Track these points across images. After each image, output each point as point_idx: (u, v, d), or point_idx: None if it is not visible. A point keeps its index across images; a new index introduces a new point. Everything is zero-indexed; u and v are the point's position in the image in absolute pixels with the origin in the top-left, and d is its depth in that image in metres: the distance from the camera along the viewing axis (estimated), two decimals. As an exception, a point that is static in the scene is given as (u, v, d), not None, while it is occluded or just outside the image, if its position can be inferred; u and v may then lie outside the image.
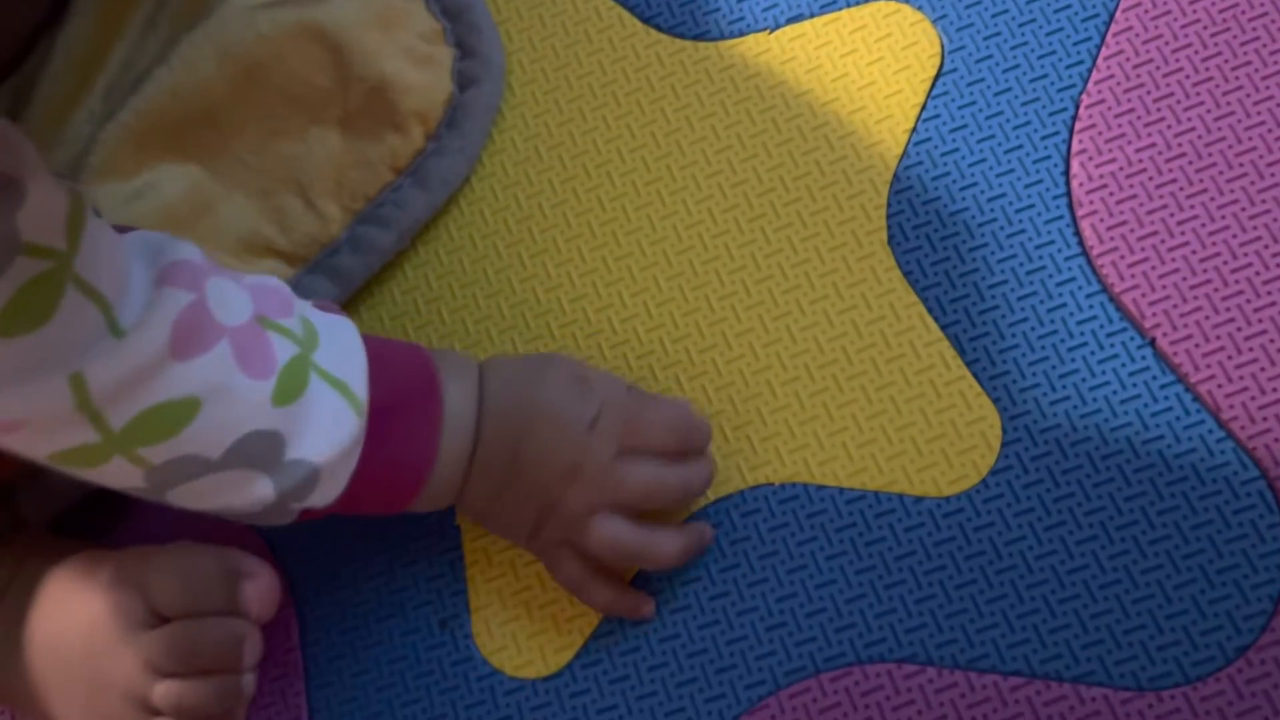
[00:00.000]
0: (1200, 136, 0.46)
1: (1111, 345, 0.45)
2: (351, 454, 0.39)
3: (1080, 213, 0.46)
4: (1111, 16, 0.48)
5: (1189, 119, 0.46)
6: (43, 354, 0.34)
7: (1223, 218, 0.45)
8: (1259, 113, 0.46)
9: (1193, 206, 0.46)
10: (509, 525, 0.43)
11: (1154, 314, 0.45)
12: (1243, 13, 0.47)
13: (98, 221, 0.36)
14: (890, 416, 0.45)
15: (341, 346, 0.40)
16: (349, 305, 0.50)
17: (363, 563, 0.47)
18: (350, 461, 0.39)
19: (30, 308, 0.33)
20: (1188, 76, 0.47)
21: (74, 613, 0.40)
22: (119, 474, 0.37)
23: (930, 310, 0.46)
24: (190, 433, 0.36)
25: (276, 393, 0.38)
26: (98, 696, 0.40)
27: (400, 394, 0.40)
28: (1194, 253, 0.45)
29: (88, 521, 0.47)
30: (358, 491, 0.39)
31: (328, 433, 0.38)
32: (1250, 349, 0.44)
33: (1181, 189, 0.46)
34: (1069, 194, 0.47)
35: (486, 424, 0.41)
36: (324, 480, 0.39)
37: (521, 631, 0.45)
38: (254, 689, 0.40)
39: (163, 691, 0.39)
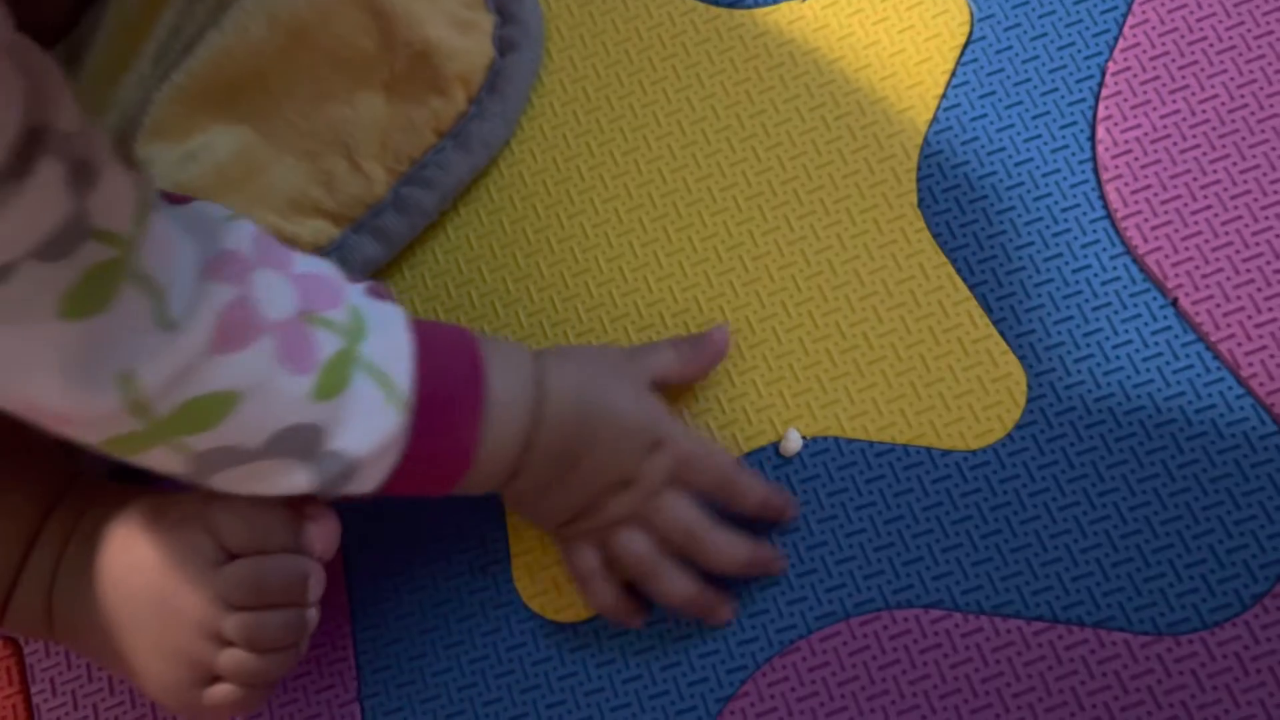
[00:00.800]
0: (1224, 103, 0.47)
1: (1134, 305, 0.46)
2: (392, 447, 0.40)
3: (1105, 177, 0.47)
4: (1137, -14, 0.49)
5: (1212, 86, 0.48)
6: (98, 339, 0.35)
7: (1244, 182, 0.47)
8: (1281, 80, 0.47)
9: (1215, 171, 0.47)
10: (544, 515, 0.44)
11: (1176, 275, 0.46)
12: (1266, -17, 0.48)
13: (157, 208, 0.37)
14: (919, 373, 0.47)
15: (389, 337, 0.40)
16: (393, 264, 0.52)
17: (407, 509, 0.48)
18: (391, 454, 0.40)
19: (92, 294, 0.34)
20: (1211, 45, 0.48)
21: (144, 553, 0.42)
22: (162, 460, 0.38)
23: (959, 270, 0.48)
24: (230, 424, 0.37)
25: (318, 388, 0.38)
26: (169, 631, 0.41)
27: (444, 385, 0.41)
28: (1216, 216, 0.47)
29: (139, 472, 0.48)
30: (397, 480, 0.41)
31: (368, 426, 0.39)
32: (1270, 309, 0.45)
33: (1204, 154, 0.47)
34: (1094, 159, 0.48)
35: (547, 421, 0.42)
36: (363, 471, 0.40)
37: (561, 576, 0.47)
38: (317, 622, 0.42)
39: (234, 623, 0.40)
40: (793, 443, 0.46)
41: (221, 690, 0.41)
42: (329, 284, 0.40)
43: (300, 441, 0.39)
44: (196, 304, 0.36)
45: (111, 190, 0.34)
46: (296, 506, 0.41)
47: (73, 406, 0.36)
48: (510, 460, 0.42)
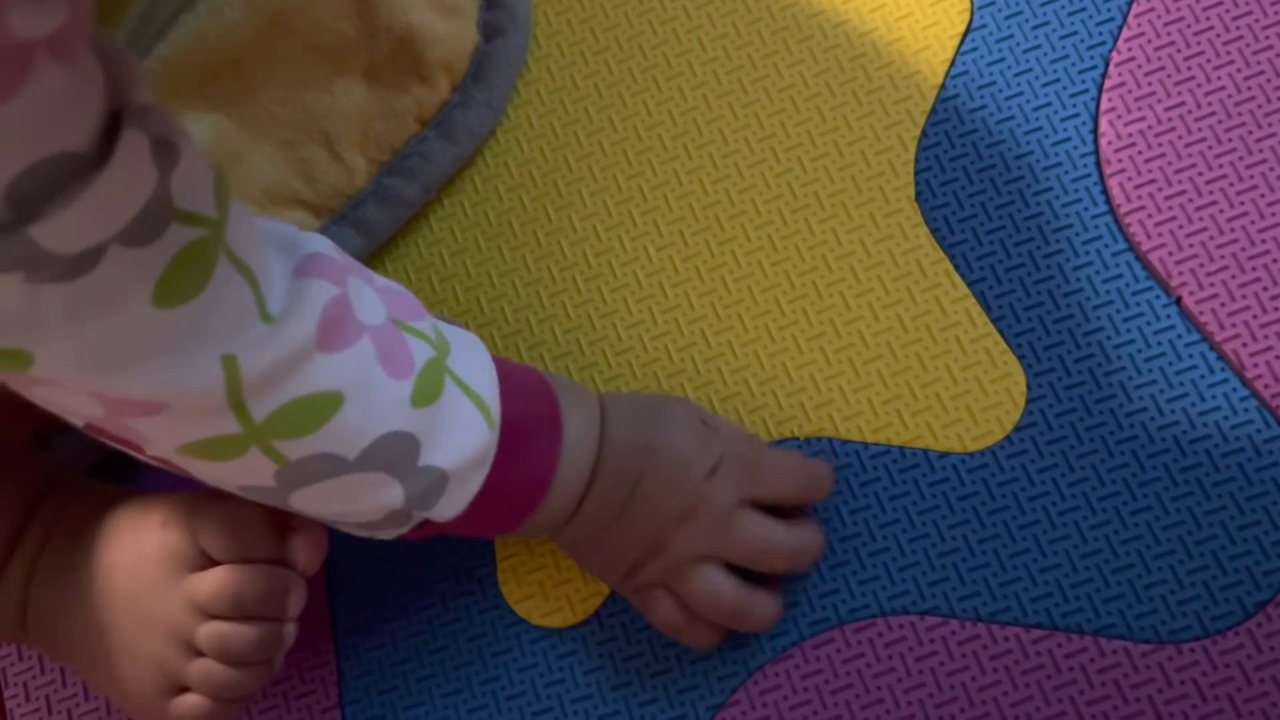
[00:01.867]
0: (1230, 95, 0.46)
1: (1137, 303, 0.45)
2: (481, 466, 0.38)
3: (1108, 171, 0.46)
4: (1142, -27, 0.48)
5: (1219, 78, 0.46)
6: (197, 328, 0.33)
7: (1251, 177, 0.46)
8: (1289, 72, 0.46)
9: (1221, 166, 0.46)
10: (608, 560, 0.42)
11: (1180, 272, 0.45)
12: (1275, -29, 0.47)
13: (236, 199, 0.35)
14: (916, 372, 0.46)
15: (473, 357, 0.39)
16: (374, 257, 0.50)
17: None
18: (479, 474, 0.38)
19: (186, 278, 0.33)
20: (1218, 35, 0.47)
21: (123, 553, 0.40)
22: (250, 470, 0.36)
23: (957, 267, 0.46)
24: (330, 429, 0.36)
25: (415, 394, 0.37)
26: (141, 634, 0.40)
27: (525, 413, 0.39)
28: (1221, 212, 0.45)
29: (118, 471, 0.47)
30: (473, 509, 0.39)
31: (461, 441, 0.38)
32: (1276, 308, 0.44)
33: (1210, 148, 0.46)
34: (1097, 152, 0.47)
35: (606, 458, 0.40)
36: (451, 489, 0.38)
37: (548, 580, 0.46)
38: (294, 638, 0.40)
39: (206, 632, 0.39)
40: None
41: (189, 701, 0.40)
42: (410, 300, 0.39)
43: (396, 452, 0.37)
44: (298, 298, 0.35)
45: (192, 168, 0.33)
46: (283, 517, 0.39)
47: (171, 389, 0.33)
48: (577, 493, 0.40)
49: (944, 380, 0.46)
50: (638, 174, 0.49)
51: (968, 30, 0.49)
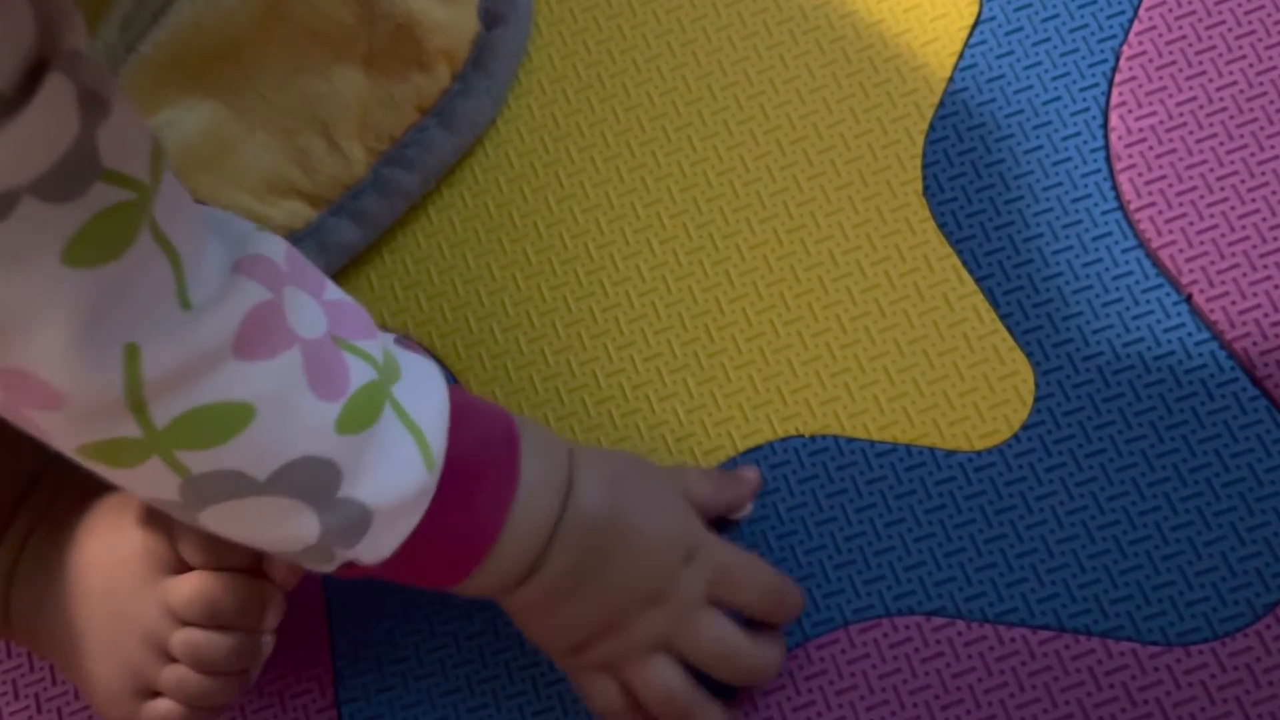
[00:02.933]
0: (1242, 91, 0.46)
1: (1147, 301, 0.45)
2: (413, 509, 0.35)
3: (1118, 166, 0.46)
4: (1154, -34, 0.47)
5: (1231, 73, 0.46)
6: (106, 300, 0.31)
7: (1262, 174, 0.45)
8: (1302, 68, 0.45)
9: (1232, 162, 0.45)
10: (555, 632, 0.39)
11: (1191, 270, 0.45)
12: (1288, -35, 0.46)
13: (175, 180, 0.33)
14: (922, 370, 0.45)
15: (424, 388, 0.36)
16: (372, 248, 0.49)
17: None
18: (411, 517, 0.35)
19: (103, 239, 0.30)
20: (1230, 29, 0.46)
21: (102, 550, 0.40)
22: (153, 480, 0.34)
23: (965, 263, 0.46)
24: (239, 444, 0.33)
25: (342, 418, 0.34)
26: (117, 636, 0.39)
27: (476, 453, 0.36)
28: (1232, 209, 0.45)
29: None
30: (406, 555, 0.36)
31: (392, 478, 0.35)
32: (1287, 307, 0.44)
33: (1221, 144, 0.45)
34: (1107, 147, 0.46)
35: (570, 522, 0.38)
36: (376, 530, 0.35)
37: (548, 579, 0.45)
38: (271, 649, 0.39)
39: (181, 639, 0.38)
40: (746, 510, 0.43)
41: (161, 706, 0.39)
42: (361, 317, 0.36)
43: (313, 479, 0.34)
44: (225, 295, 0.33)
45: (123, 127, 0.31)
46: None
47: (71, 378, 0.31)
48: (532, 554, 0.38)
49: (951, 377, 0.45)
50: (641, 166, 0.49)
51: (976, 22, 0.48)
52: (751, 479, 0.43)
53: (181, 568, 0.39)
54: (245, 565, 0.38)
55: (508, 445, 0.38)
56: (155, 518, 0.39)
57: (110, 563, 0.39)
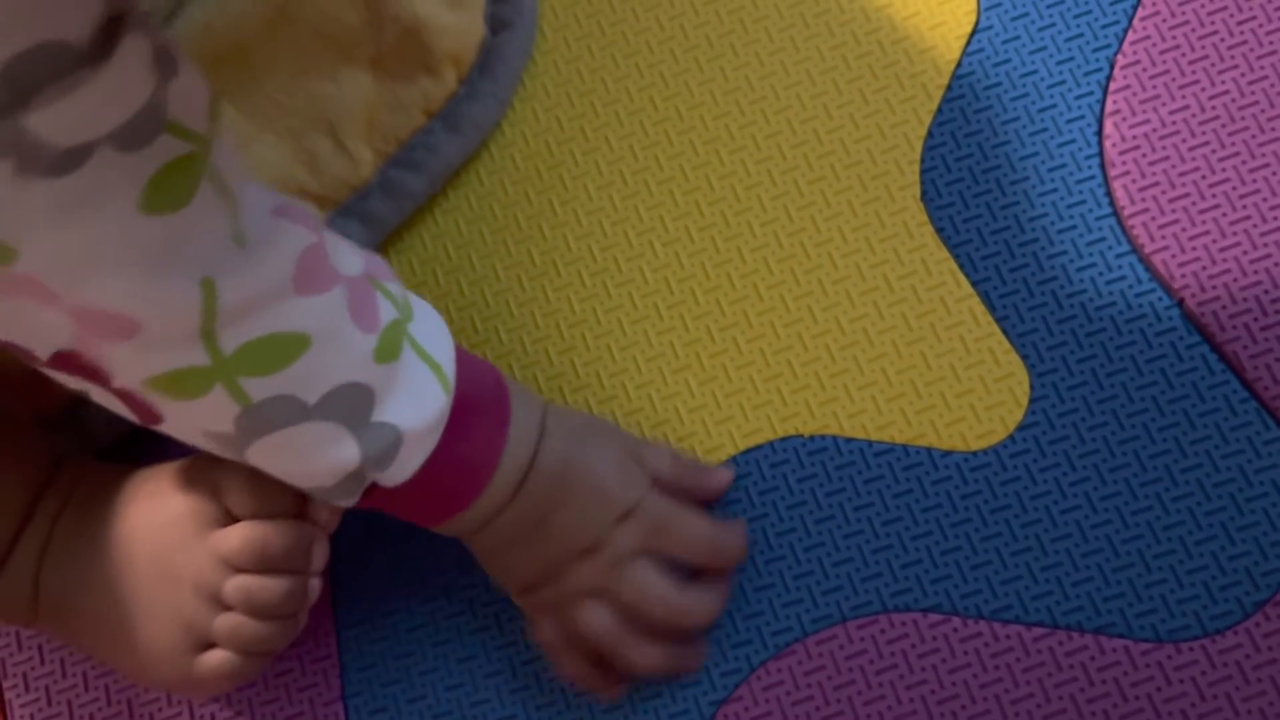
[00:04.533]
0: (1234, 100, 0.47)
1: (1140, 305, 0.46)
2: (434, 431, 0.39)
3: (1112, 173, 0.47)
4: (1148, -23, 0.48)
5: (1223, 82, 0.47)
6: (178, 242, 0.33)
7: (1254, 181, 0.46)
8: (1292, 77, 0.46)
9: (1224, 170, 0.46)
10: (509, 573, 0.43)
11: (1183, 275, 0.45)
12: (1279, -24, 0.47)
13: (226, 120, 0.36)
14: (920, 371, 0.46)
15: (432, 326, 0.40)
16: (378, 249, 0.50)
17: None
18: (431, 439, 0.39)
19: (173, 188, 0.33)
20: (1222, 39, 0.47)
21: (145, 517, 0.40)
22: (213, 410, 0.36)
23: (961, 266, 0.47)
24: (294, 371, 0.36)
25: (379, 349, 0.37)
26: (166, 593, 0.40)
27: (476, 394, 0.40)
28: (1224, 216, 0.46)
29: (127, 457, 0.47)
30: (417, 484, 0.39)
31: (417, 402, 0.38)
32: (1276, 311, 0.45)
33: (1214, 152, 0.46)
34: (1101, 154, 0.47)
35: (539, 468, 0.41)
36: (404, 451, 0.38)
37: (551, 575, 0.46)
38: (319, 592, 0.40)
39: (234, 585, 0.39)
40: None
41: (216, 657, 0.40)
42: (381, 262, 0.40)
43: (354, 402, 0.37)
44: (275, 236, 0.35)
45: (189, 83, 0.33)
46: None
47: (150, 305, 0.34)
48: (510, 491, 0.41)
49: (947, 379, 0.46)
50: (643, 169, 0.49)
51: (974, 31, 0.49)
52: (720, 477, 0.45)
53: (228, 521, 0.40)
54: (290, 511, 0.40)
55: (499, 389, 0.41)
56: (197, 480, 0.40)
57: (155, 526, 0.40)
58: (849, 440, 0.46)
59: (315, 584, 0.41)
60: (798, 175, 0.48)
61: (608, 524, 0.42)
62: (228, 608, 0.40)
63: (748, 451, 0.46)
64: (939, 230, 0.47)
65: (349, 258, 0.38)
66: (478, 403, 0.40)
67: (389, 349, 0.38)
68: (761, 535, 0.45)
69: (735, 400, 0.47)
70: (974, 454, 0.45)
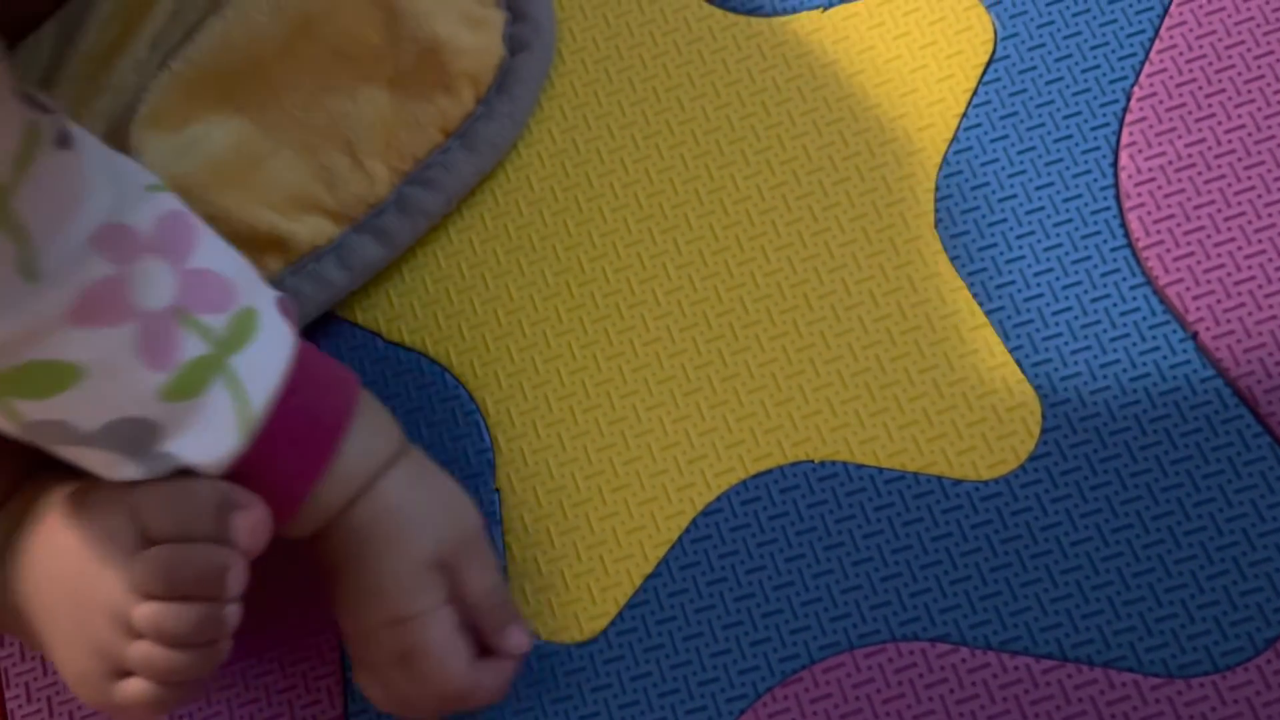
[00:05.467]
0: (1250, 134, 0.47)
1: (1154, 337, 0.45)
2: (221, 466, 0.39)
3: (1127, 205, 0.47)
4: (1165, 10, 0.48)
5: (1240, 115, 0.47)
6: None
7: (1269, 215, 0.46)
8: (1309, 113, 0.46)
9: (1240, 203, 0.46)
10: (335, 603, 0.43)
11: (1197, 308, 0.45)
12: (1297, 12, 0.47)
13: (60, 156, 0.35)
14: (932, 399, 0.46)
15: (266, 356, 0.39)
16: (392, 267, 0.50)
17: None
18: (219, 471, 0.39)
19: None
20: (1240, 73, 0.47)
21: (64, 537, 0.40)
22: None
23: (975, 295, 0.47)
24: (65, 400, 0.36)
25: (168, 387, 0.38)
26: (82, 618, 0.39)
27: (300, 424, 0.40)
28: (1239, 249, 0.46)
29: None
30: (256, 457, 0.39)
31: (208, 440, 0.38)
32: (1291, 347, 0.45)
33: (1229, 185, 0.46)
34: (1117, 185, 0.47)
35: (364, 505, 0.41)
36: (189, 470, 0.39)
37: (557, 598, 0.46)
38: (238, 621, 0.39)
39: (143, 614, 0.38)
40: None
41: (134, 686, 0.39)
42: (222, 286, 0.39)
43: (135, 435, 0.38)
44: (73, 265, 0.36)
45: None
46: (226, 494, 0.39)
47: None
48: (315, 525, 0.41)
49: (960, 407, 0.46)
50: (658, 192, 0.50)
51: (991, 60, 0.49)
52: (516, 638, 0.43)
53: (144, 545, 0.39)
54: (208, 535, 0.39)
55: (336, 421, 0.41)
56: (115, 499, 0.39)
57: (72, 549, 0.40)
58: (859, 467, 0.46)
59: (232, 611, 0.39)
60: (813, 201, 0.49)
61: (376, 624, 0.41)
62: (140, 635, 0.39)
63: (758, 476, 0.46)
64: (953, 258, 0.47)
65: (159, 288, 0.37)
66: (299, 437, 0.39)
67: (185, 386, 0.38)
68: (770, 560, 0.45)
69: (746, 424, 0.47)
70: (985, 483, 0.45)
